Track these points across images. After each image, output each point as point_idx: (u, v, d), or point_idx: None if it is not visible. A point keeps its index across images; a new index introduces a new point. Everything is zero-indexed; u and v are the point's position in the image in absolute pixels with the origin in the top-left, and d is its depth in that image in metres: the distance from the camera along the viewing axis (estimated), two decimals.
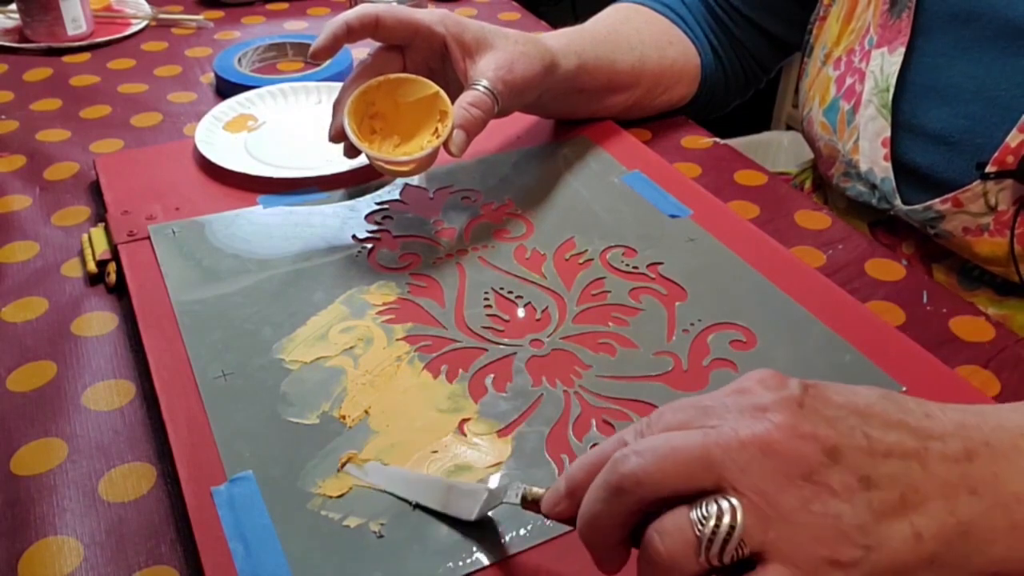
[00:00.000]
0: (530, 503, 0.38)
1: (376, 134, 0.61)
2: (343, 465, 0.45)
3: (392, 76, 0.60)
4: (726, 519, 0.31)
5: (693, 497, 0.32)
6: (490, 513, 0.42)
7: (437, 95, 0.60)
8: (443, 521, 0.42)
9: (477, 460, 0.45)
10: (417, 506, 0.43)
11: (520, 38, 0.64)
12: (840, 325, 0.54)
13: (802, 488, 0.31)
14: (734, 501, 0.31)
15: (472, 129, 0.58)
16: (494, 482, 0.44)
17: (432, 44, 0.62)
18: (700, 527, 0.31)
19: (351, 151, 0.61)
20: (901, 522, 0.32)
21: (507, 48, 0.62)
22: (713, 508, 0.31)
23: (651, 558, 0.32)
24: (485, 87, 0.60)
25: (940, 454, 0.33)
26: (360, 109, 0.59)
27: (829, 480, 0.31)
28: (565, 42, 0.69)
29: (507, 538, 0.41)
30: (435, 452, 0.46)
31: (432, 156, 0.59)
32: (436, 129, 0.59)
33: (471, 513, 0.41)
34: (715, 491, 0.32)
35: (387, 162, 0.58)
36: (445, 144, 0.58)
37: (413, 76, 0.60)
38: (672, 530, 0.31)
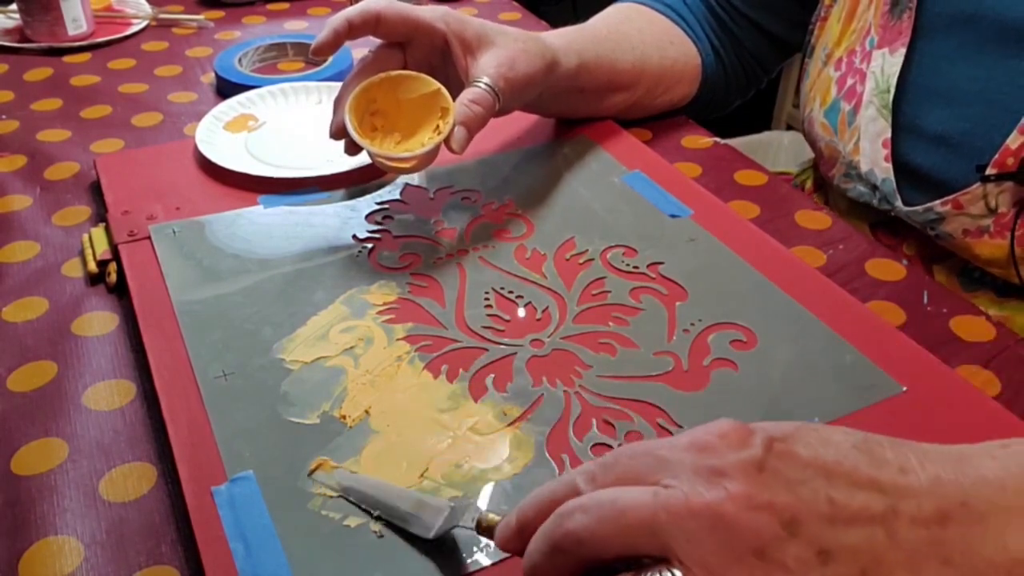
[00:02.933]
0: (484, 529, 0.37)
1: (377, 131, 0.60)
2: (312, 472, 0.44)
3: (393, 73, 0.60)
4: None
5: (638, 559, 0.30)
6: (456, 530, 0.41)
7: (438, 92, 0.59)
8: (403, 537, 0.41)
9: (478, 460, 0.45)
10: (379, 518, 0.42)
11: (521, 36, 0.64)
12: (840, 325, 0.54)
13: (753, 567, 0.29)
14: (677, 574, 0.29)
15: (473, 126, 0.58)
16: (486, 494, 0.44)
17: (433, 41, 0.62)
18: None
19: (352, 148, 0.61)
20: None
21: (508, 45, 0.62)
22: None
23: None
24: (487, 84, 0.60)
25: (910, 517, 0.31)
26: (361, 106, 0.59)
27: (784, 556, 0.29)
28: (566, 41, 0.69)
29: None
30: (437, 451, 0.46)
31: (433, 153, 0.59)
32: (437, 126, 0.59)
33: (429, 531, 0.40)
34: (660, 558, 0.30)
35: (388, 159, 0.58)
36: (446, 141, 0.58)
37: (414, 73, 0.60)
38: None
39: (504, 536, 0.35)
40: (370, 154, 0.59)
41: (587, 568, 0.32)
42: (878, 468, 0.32)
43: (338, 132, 0.60)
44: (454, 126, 0.57)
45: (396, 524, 0.42)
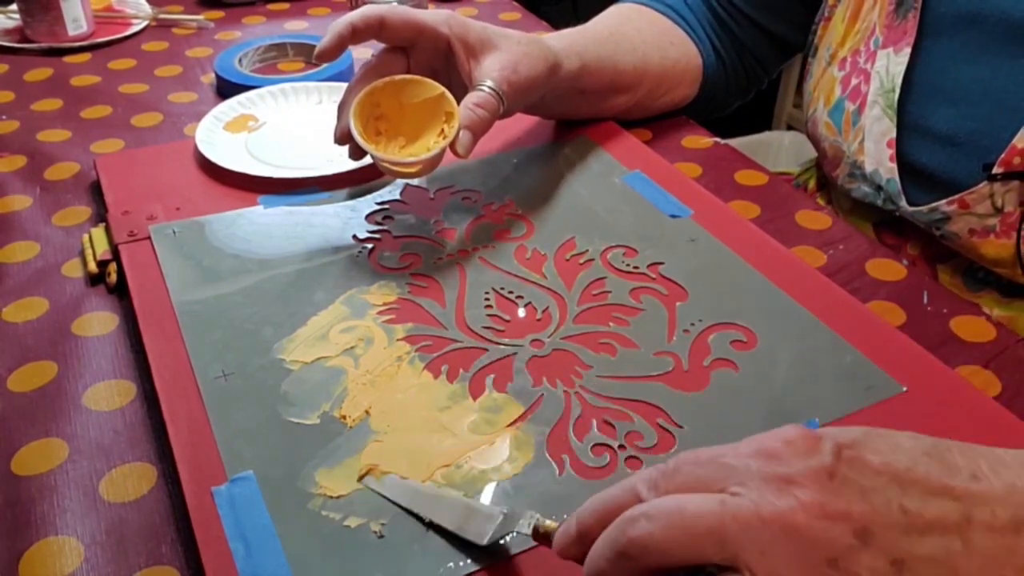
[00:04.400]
0: (541, 536, 0.38)
1: (381, 135, 0.60)
2: (362, 477, 0.44)
3: (397, 77, 0.60)
4: None
5: (703, 567, 0.30)
6: (504, 539, 0.41)
7: (442, 96, 0.59)
8: (452, 542, 0.41)
9: (478, 460, 0.45)
10: (431, 524, 0.42)
11: (523, 39, 0.64)
12: (841, 325, 0.54)
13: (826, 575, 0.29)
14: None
15: (478, 130, 0.58)
16: (487, 494, 0.44)
17: (437, 45, 0.62)
18: None
19: (356, 152, 0.61)
20: None
21: (511, 49, 0.62)
22: None
23: None
24: (490, 87, 0.60)
25: (986, 525, 0.30)
26: (365, 111, 0.59)
27: (857, 566, 0.29)
28: (567, 43, 0.69)
29: (507, 538, 0.41)
30: (437, 451, 0.46)
31: (438, 157, 0.59)
32: (442, 130, 0.59)
33: (483, 538, 0.40)
34: (726, 567, 0.30)
35: (393, 163, 0.58)
36: (452, 145, 0.58)
37: (418, 77, 0.60)
38: None
39: (563, 543, 0.35)
40: (375, 159, 0.59)
41: (651, 575, 0.32)
42: (950, 475, 0.31)
43: (343, 137, 0.60)
44: (459, 130, 0.57)
45: (449, 531, 0.41)
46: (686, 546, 0.30)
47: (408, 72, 0.62)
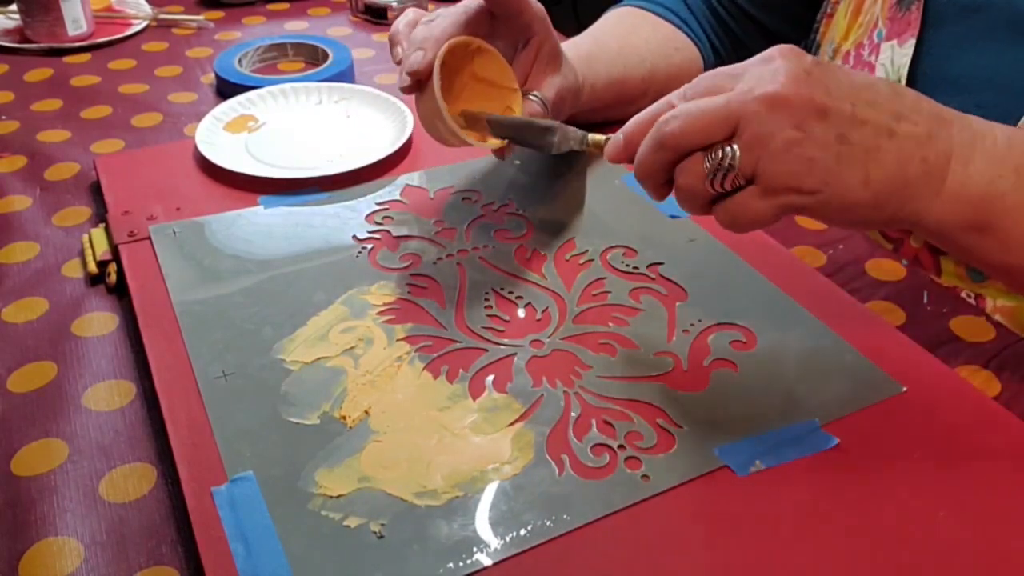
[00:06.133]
0: (591, 146, 0.50)
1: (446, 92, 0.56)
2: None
3: (488, 47, 0.57)
4: (728, 158, 0.42)
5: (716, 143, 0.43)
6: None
7: (514, 92, 0.59)
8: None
9: (478, 460, 0.45)
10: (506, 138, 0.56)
11: (572, 71, 0.65)
12: (841, 325, 0.54)
13: (791, 133, 0.41)
14: (735, 146, 0.42)
15: None
16: (487, 494, 0.44)
17: (522, 32, 0.61)
18: (708, 163, 0.43)
19: (413, 87, 0.56)
20: (858, 169, 0.42)
21: (568, 79, 0.63)
22: (719, 152, 0.42)
23: (677, 187, 0.45)
24: (543, 104, 0.60)
25: (908, 133, 0.43)
26: (448, 62, 0.55)
27: (813, 131, 0.41)
28: (582, 68, 0.69)
29: (507, 538, 0.41)
30: (437, 451, 0.46)
31: (482, 149, 0.58)
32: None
33: (551, 148, 0.53)
34: (727, 141, 0.42)
35: (454, 133, 0.55)
36: (499, 149, 0.58)
37: (505, 62, 0.58)
38: (690, 166, 0.43)
39: (614, 149, 0.47)
40: (440, 115, 0.54)
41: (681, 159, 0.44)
42: (895, 100, 0.44)
43: (421, 73, 0.55)
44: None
45: (524, 144, 0.56)
46: (704, 132, 0.42)
47: (486, 39, 0.59)
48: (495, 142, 0.57)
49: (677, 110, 0.43)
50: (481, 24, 0.59)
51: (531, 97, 0.60)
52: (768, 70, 0.42)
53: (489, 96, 0.59)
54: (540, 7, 0.61)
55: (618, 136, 0.47)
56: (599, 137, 0.50)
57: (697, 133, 0.43)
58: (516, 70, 0.60)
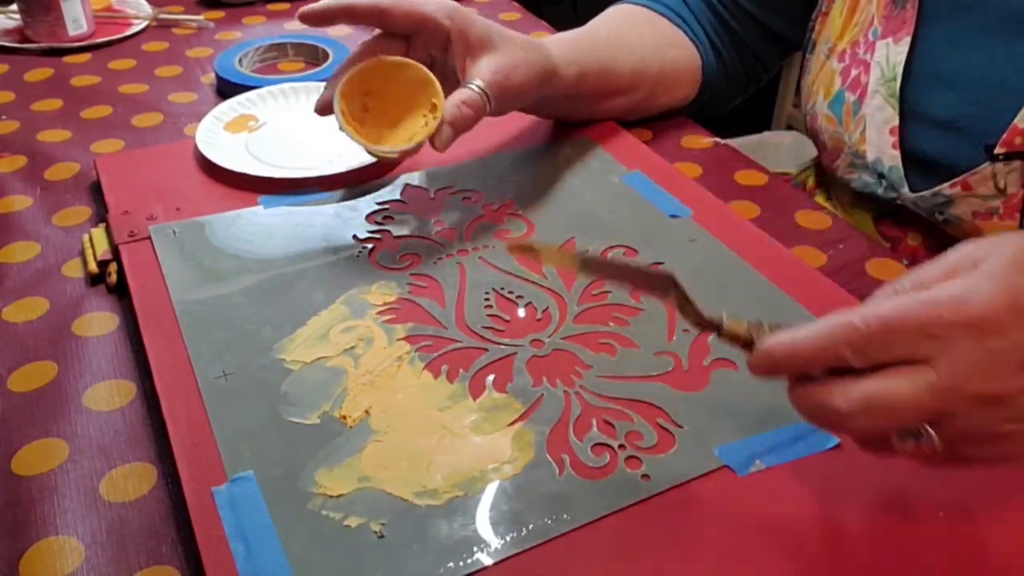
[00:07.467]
0: (727, 335, 0.41)
1: (368, 112, 0.60)
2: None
3: (389, 59, 0.60)
4: (923, 440, 0.36)
5: None
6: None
7: (431, 84, 0.59)
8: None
9: (478, 460, 0.45)
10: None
11: (524, 44, 0.64)
12: None
13: (1006, 428, 0.36)
14: (933, 433, 0.36)
15: (461, 127, 0.58)
16: (487, 494, 0.44)
17: (438, 36, 0.62)
18: (898, 437, 0.37)
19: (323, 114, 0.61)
20: None
21: (509, 52, 0.62)
22: (913, 436, 0.36)
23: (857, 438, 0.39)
24: (479, 87, 0.59)
25: None
26: (353, 88, 0.59)
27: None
28: (566, 49, 0.69)
29: (508, 538, 0.41)
30: (437, 451, 0.46)
31: (417, 148, 0.59)
32: (425, 118, 0.59)
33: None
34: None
35: (371, 150, 0.59)
36: (432, 138, 0.58)
37: (409, 61, 0.60)
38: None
39: (759, 367, 0.40)
40: (352, 140, 0.58)
41: None
42: None
43: (323, 109, 0.60)
44: (442, 124, 0.57)
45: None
46: (895, 425, 0.37)
47: (405, 56, 0.62)
48: (393, 148, 0.59)
49: (858, 405, 0.36)
50: (393, 46, 0.62)
51: (469, 87, 0.59)
52: (987, 353, 0.35)
53: (411, 97, 0.60)
54: (443, 5, 0.62)
55: (768, 351, 0.39)
56: (735, 325, 0.42)
57: (886, 427, 0.37)
58: (452, 65, 0.62)
